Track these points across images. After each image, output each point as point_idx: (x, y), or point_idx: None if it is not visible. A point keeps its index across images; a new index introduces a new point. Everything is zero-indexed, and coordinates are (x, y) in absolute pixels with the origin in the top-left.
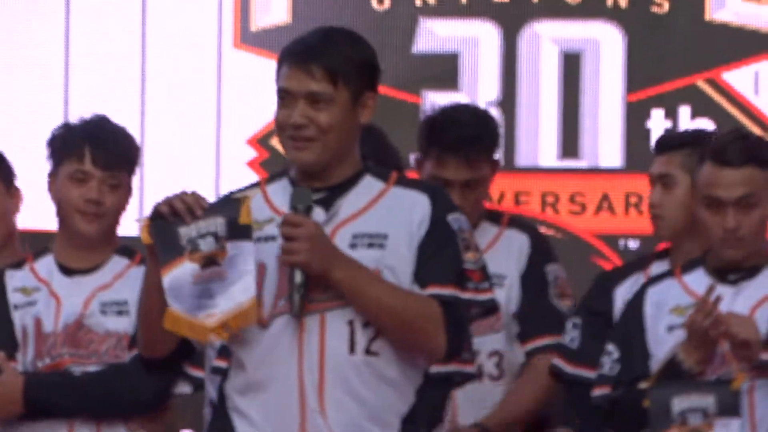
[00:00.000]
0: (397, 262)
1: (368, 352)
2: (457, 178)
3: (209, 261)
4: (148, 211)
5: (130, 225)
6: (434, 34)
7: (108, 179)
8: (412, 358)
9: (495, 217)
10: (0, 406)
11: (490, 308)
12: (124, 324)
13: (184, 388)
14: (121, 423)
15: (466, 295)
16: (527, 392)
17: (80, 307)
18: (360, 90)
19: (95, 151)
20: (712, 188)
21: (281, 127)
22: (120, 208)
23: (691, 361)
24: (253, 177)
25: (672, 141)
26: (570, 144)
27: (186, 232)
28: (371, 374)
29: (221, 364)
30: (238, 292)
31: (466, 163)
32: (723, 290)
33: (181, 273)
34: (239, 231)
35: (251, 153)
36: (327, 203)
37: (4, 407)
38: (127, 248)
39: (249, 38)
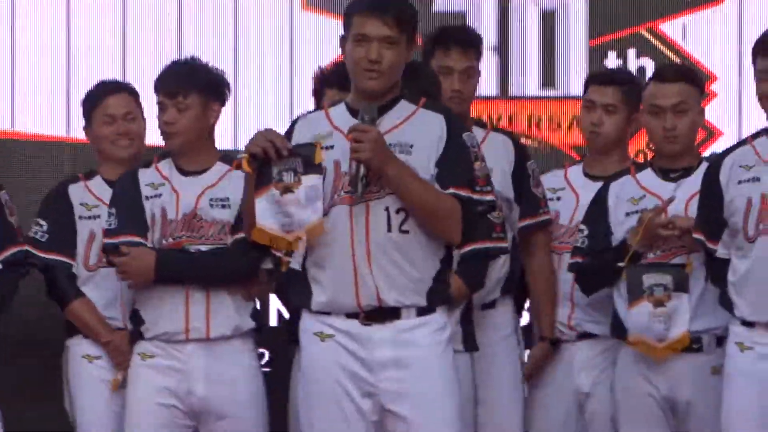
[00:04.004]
0: (418, 165)
1: (401, 230)
2: (458, 66)
3: (287, 189)
4: (240, 136)
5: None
6: None
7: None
8: (434, 237)
9: (482, 124)
10: (138, 274)
11: (491, 206)
12: (227, 215)
13: (268, 264)
14: (224, 288)
15: (476, 196)
16: (543, 281)
17: (194, 200)
18: (411, 36)
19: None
20: (654, 99)
21: (357, 62)
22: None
23: (634, 242)
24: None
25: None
26: (549, 78)
27: (274, 166)
28: (404, 246)
29: None
30: (309, 213)
31: (463, 53)
32: (666, 185)
33: (267, 198)
34: (312, 168)
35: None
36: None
37: (141, 275)
38: (227, 156)
39: (313, 2)
